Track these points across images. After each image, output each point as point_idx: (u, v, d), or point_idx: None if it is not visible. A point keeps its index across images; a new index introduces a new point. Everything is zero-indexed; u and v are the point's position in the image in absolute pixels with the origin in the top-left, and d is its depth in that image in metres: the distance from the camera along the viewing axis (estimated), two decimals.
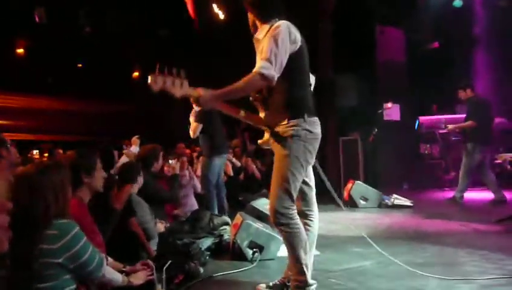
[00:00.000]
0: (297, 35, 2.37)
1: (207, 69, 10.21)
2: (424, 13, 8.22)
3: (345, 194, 6.59)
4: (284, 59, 2.29)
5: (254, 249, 3.42)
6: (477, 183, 7.69)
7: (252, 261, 3.35)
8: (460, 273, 2.84)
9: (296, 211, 2.38)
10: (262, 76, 2.25)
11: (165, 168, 4.47)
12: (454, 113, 8.56)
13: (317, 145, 2.43)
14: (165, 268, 2.65)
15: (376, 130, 7.14)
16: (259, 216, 4.29)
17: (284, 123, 2.35)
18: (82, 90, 11.95)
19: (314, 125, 2.40)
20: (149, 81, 2.18)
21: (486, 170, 5.91)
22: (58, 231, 1.74)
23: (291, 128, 2.33)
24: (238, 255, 3.45)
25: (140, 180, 3.37)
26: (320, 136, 2.44)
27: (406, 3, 8.28)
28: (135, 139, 4.58)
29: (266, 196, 5.79)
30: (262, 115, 2.51)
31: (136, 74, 12.60)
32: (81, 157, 2.37)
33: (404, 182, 7.79)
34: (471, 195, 7.04)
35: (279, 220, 2.32)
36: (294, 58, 2.34)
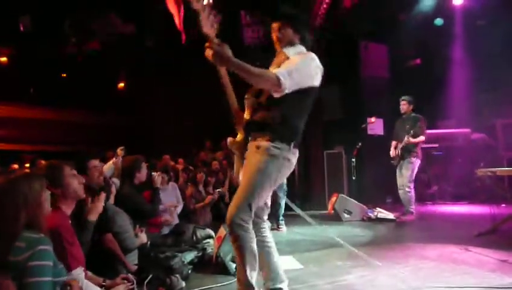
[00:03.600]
0: (319, 74, 2.43)
1: (191, 80, 10.23)
2: (406, 30, 8.42)
3: (329, 207, 6.62)
4: (299, 82, 2.32)
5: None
6: (461, 197, 7.85)
7: (235, 274, 3.31)
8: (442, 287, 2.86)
9: (251, 224, 2.36)
10: (278, 80, 2.25)
11: None
12: (436, 128, 8.74)
13: (288, 173, 2.49)
14: (146, 282, 2.61)
15: (360, 144, 7.22)
16: None
17: (268, 140, 2.36)
18: (66, 100, 11.80)
19: (293, 156, 2.44)
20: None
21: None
22: (25, 243, 1.67)
23: (274, 149, 2.35)
24: (221, 268, 3.42)
25: (113, 189, 3.33)
26: (293, 166, 2.49)
27: (389, 20, 8.48)
28: (120, 151, 4.54)
29: None
30: (246, 116, 2.52)
31: (121, 84, 12.53)
32: (47, 169, 2.33)
33: (388, 195, 7.86)
34: (454, 209, 7.15)
35: (234, 230, 2.31)
36: (307, 91, 2.39)
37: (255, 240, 2.39)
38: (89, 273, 2.30)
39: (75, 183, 2.35)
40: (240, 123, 2.54)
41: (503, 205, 6.15)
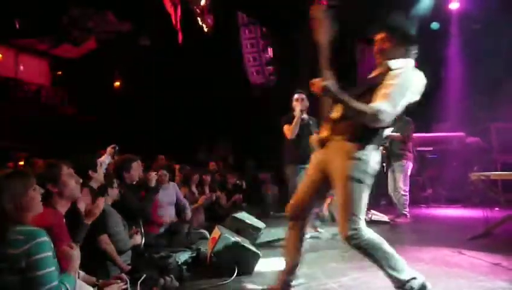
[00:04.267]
0: (421, 89, 2.46)
1: (187, 78, 10.23)
2: None
3: (324, 209, 6.62)
4: (400, 109, 2.37)
5: (231, 264, 3.38)
6: (455, 200, 7.89)
7: (229, 275, 3.31)
8: None
9: (363, 224, 2.38)
10: (378, 117, 2.28)
11: None
12: (431, 131, 8.78)
13: (376, 167, 2.48)
14: (139, 282, 2.60)
15: None
16: (238, 230, 4.27)
17: (352, 144, 2.38)
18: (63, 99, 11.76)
19: (376, 157, 2.45)
20: (315, 8, 2.40)
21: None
22: (24, 236, 1.69)
23: (358, 151, 2.37)
24: (215, 269, 3.41)
25: (112, 192, 3.30)
26: (378, 167, 2.50)
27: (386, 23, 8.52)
28: (110, 149, 4.41)
29: (246, 210, 5.79)
30: (334, 114, 2.54)
31: (117, 83, 12.50)
32: (45, 168, 2.32)
33: (382, 198, 7.89)
34: (448, 212, 7.18)
35: (354, 242, 2.35)
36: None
37: (378, 238, 2.41)
38: (82, 273, 2.29)
39: (72, 182, 2.34)
40: (327, 122, 2.57)
41: (497, 209, 6.18)
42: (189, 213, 5.03)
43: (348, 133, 2.41)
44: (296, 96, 5.07)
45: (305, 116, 5.05)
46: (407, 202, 6.15)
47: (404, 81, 2.36)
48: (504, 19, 7.53)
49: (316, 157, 2.64)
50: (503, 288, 2.87)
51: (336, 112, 2.54)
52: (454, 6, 8.44)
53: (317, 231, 5.12)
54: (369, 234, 2.39)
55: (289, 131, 4.93)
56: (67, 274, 1.89)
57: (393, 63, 2.47)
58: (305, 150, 4.95)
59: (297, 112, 4.92)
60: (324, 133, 2.57)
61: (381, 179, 7.02)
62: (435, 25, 8.75)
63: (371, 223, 6.03)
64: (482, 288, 2.89)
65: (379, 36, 2.56)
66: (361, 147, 2.37)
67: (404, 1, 8.54)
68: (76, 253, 2.02)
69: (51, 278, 1.72)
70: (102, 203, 2.67)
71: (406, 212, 6.11)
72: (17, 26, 8.40)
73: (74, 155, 3.22)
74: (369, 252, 2.37)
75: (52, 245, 1.77)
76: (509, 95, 7.84)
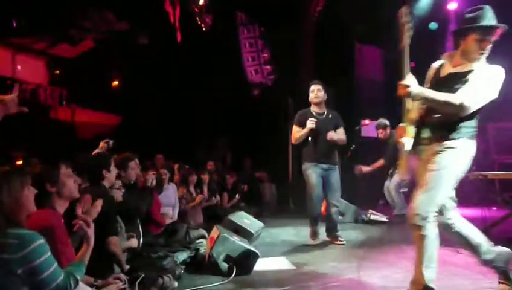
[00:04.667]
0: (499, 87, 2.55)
1: (186, 78, 10.22)
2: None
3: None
4: (484, 102, 2.51)
5: (230, 263, 3.38)
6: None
7: (227, 275, 3.31)
8: None
9: (435, 214, 2.46)
10: (462, 109, 2.43)
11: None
12: None
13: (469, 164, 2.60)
14: (138, 282, 2.59)
15: (354, 146, 7.24)
16: (237, 230, 4.27)
17: (449, 138, 2.50)
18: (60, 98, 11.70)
19: (472, 147, 2.57)
20: (403, 10, 2.56)
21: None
22: (18, 241, 1.66)
23: (453, 142, 2.49)
24: (213, 269, 3.41)
25: (114, 193, 3.27)
26: (472, 157, 2.60)
27: (384, 23, 8.54)
28: (103, 143, 4.30)
29: (244, 209, 5.78)
30: (412, 115, 2.66)
31: (115, 82, 12.45)
32: (43, 167, 2.31)
33: (380, 198, 7.89)
34: None
35: (416, 221, 2.43)
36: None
37: (436, 234, 2.49)
38: None
39: (71, 182, 2.33)
40: (411, 123, 2.66)
41: (494, 209, 6.19)
42: (176, 215, 5.03)
43: (439, 132, 2.53)
44: (312, 87, 4.84)
45: (320, 110, 4.85)
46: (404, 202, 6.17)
47: (495, 84, 2.51)
48: (502, 19, 7.54)
49: (412, 163, 2.71)
50: None
51: (416, 113, 2.65)
52: (452, 6, 8.45)
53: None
54: (434, 225, 2.46)
55: (295, 138, 4.80)
56: (77, 263, 1.90)
57: (476, 64, 2.57)
58: (321, 147, 4.83)
59: (308, 124, 4.68)
60: (409, 135, 2.65)
61: (379, 179, 7.07)
62: (433, 25, 8.76)
63: (369, 223, 6.06)
64: (479, 287, 2.90)
65: (466, 37, 2.61)
66: (455, 138, 2.49)
67: (402, 1, 8.55)
68: (92, 231, 2.01)
69: (55, 275, 1.73)
70: (100, 204, 2.64)
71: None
72: (14, 25, 8.35)
73: (86, 154, 3.16)
74: (423, 239, 2.45)
75: (47, 246, 1.75)
76: (506, 95, 7.84)
